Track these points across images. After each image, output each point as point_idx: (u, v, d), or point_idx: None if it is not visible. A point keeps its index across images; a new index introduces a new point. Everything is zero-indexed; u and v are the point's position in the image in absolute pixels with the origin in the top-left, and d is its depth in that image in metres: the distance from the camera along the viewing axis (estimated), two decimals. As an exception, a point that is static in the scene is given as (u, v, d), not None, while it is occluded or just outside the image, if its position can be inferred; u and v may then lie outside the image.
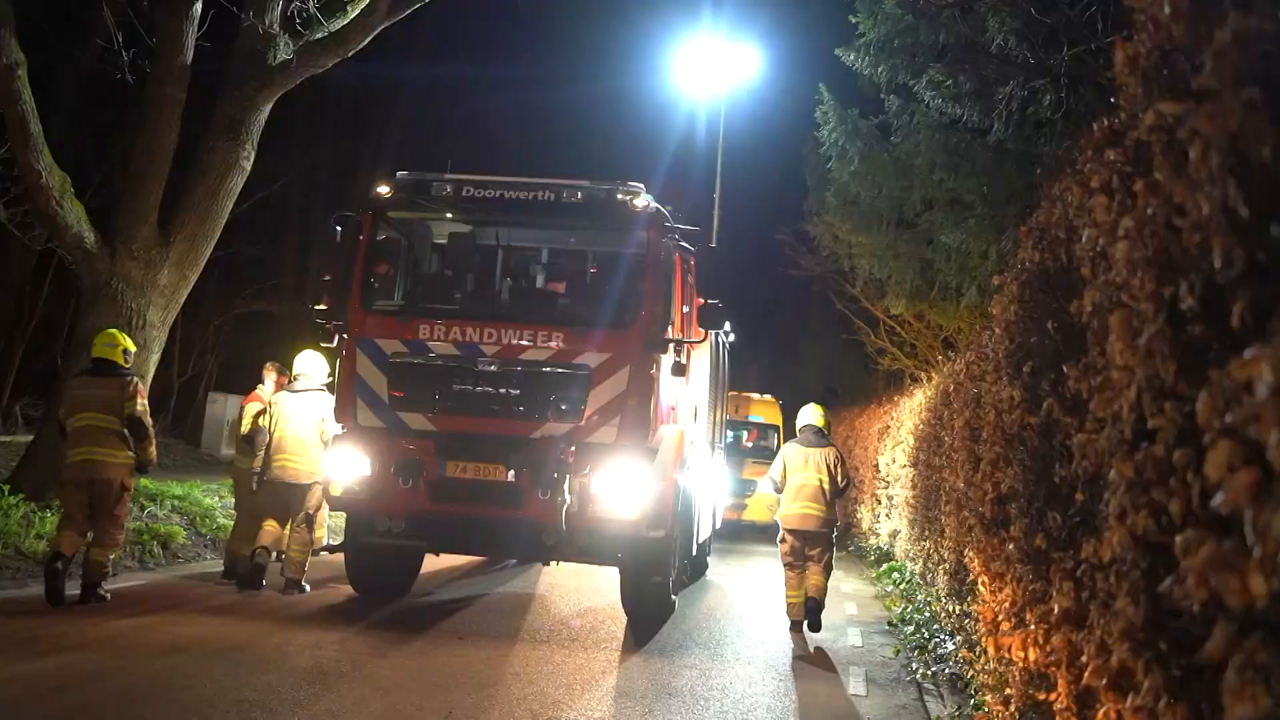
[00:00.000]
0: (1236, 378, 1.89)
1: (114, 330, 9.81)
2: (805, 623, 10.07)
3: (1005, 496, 4.99)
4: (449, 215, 10.24)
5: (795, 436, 10.75)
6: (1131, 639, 2.69)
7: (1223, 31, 2.03)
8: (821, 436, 10.51)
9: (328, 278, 9.91)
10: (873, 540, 17.59)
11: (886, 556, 15.83)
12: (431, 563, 11.56)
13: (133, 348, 9.62)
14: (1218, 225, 2.05)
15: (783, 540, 10.31)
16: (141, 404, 9.18)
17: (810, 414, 10.66)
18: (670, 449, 9.75)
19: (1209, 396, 1.99)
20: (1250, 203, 1.98)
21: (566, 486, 9.08)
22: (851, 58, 15.91)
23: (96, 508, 9.02)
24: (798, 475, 10.27)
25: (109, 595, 9.12)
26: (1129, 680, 2.74)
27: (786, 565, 10.27)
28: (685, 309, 10.44)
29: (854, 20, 15.90)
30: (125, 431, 9.12)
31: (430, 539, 9.65)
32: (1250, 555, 1.83)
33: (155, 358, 12.72)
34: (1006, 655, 4.92)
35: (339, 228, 9.93)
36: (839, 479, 10.33)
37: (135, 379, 9.34)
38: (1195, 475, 2.21)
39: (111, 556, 9.27)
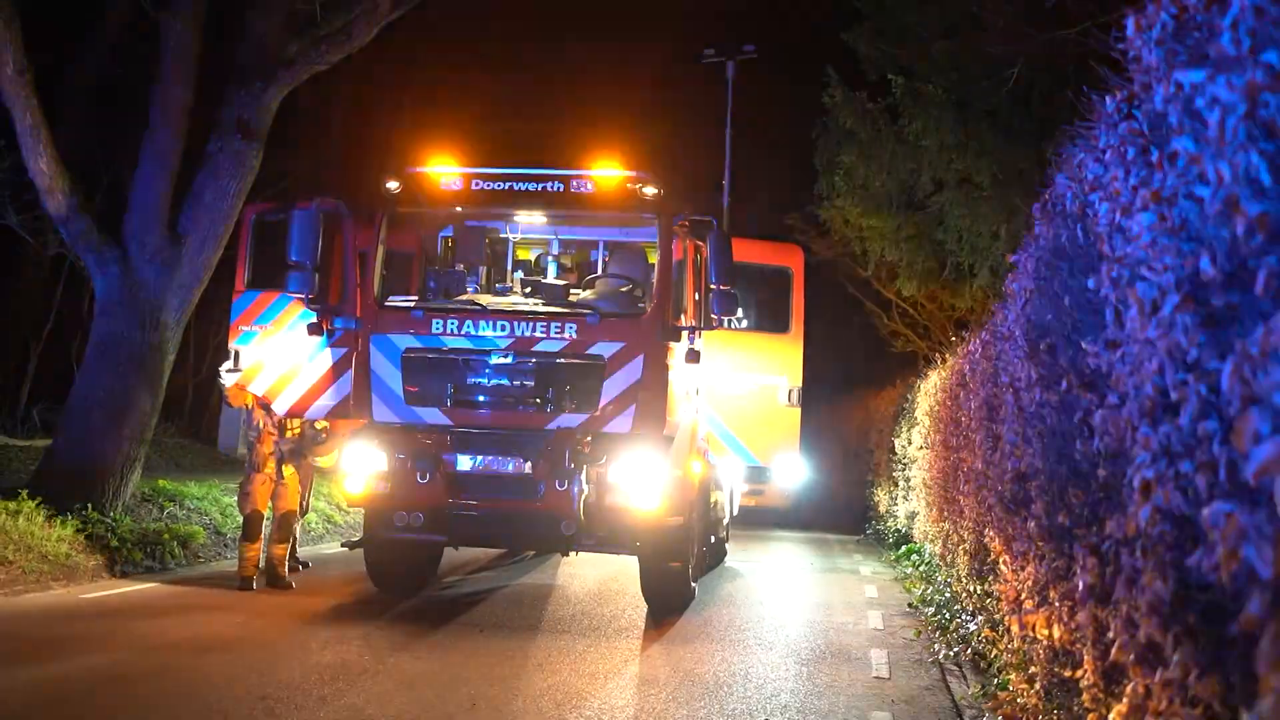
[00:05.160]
0: (1263, 346, 1.88)
1: None
2: None
3: (1025, 475, 4.98)
4: (459, 208, 10.23)
5: None
6: (1159, 613, 2.68)
7: (1241, -4, 2.01)
8: None
9: (307, 264, 9.28)
10: (891, 523, 17.55)
11: (905, 539, 15.79)
12: (450, 556, 11.58)
13: None
14: (1240, 193, 2.03)
15: None
16: None
17: None
18: (686, 436, 9.74)
19: (1235, 366, 1.98)
20: (1273, 169, 1.96)
21: (583, 477, 9.08)
22: (858, 43, 15.87)
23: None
24: None
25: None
26: (1158, 655, 2.73)
27: None
28: (697, 296, 10.43)
29: (858, 5, 15.86)
30: None
31: (448, 533, 9.65)
32: (1281, 525, 1.82)
33: (171, 359, 12.75)
34: (1030, 633, 4.91)
35: (323, 213, 9.55)
36: None
37: None
38: (1222, 446, 2.19)
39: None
